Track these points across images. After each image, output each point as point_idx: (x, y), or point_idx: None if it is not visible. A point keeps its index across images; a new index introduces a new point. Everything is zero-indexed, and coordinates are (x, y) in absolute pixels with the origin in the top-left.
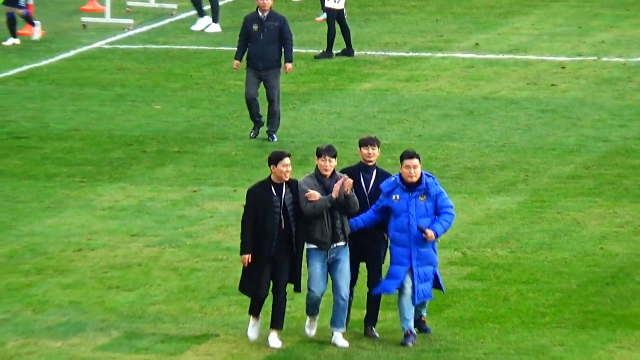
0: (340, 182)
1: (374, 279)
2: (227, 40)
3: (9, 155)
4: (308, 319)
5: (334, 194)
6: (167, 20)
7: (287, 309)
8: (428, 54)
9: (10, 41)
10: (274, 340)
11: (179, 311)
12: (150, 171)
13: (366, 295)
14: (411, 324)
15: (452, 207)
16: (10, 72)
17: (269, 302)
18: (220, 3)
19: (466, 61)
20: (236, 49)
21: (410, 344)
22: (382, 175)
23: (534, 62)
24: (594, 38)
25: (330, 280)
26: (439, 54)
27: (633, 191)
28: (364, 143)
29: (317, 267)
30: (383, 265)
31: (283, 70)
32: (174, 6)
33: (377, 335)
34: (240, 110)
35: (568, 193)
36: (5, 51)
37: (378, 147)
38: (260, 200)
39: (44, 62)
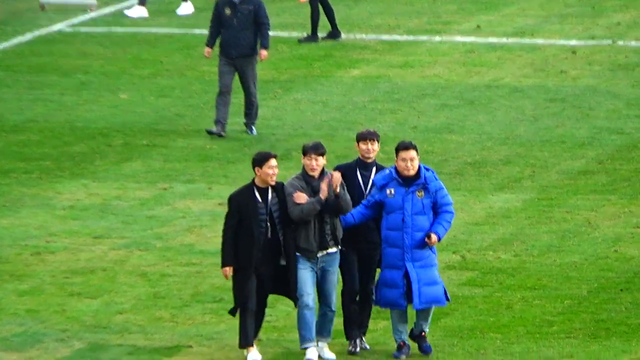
0: (326, 180)
1: (365, 287)
2: (200, 22)
3: None
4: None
5: (322, 195)
6: (134, 1)
7: (267, 318)
8: (424, 38)
9: None
10: (254, 354)
11: (147, 320)
12: (116, 167)
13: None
14: (405, 335)
15: (451, 204)
16: None
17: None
18: None
19: (466, 45)
20: (208, 34)
21: (403, 357)
22: None
23: (542, 46)
24: (609, 19)
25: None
26: (437, 38)
27: None
28: (362, 137)
29: (305, 274)
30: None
31: (258, 58)
32: None
33: (367, 347)
34: (214, 99)
35: (579, 190)
36: None
37: (378, 141)
38: (243, 206)
39: None
